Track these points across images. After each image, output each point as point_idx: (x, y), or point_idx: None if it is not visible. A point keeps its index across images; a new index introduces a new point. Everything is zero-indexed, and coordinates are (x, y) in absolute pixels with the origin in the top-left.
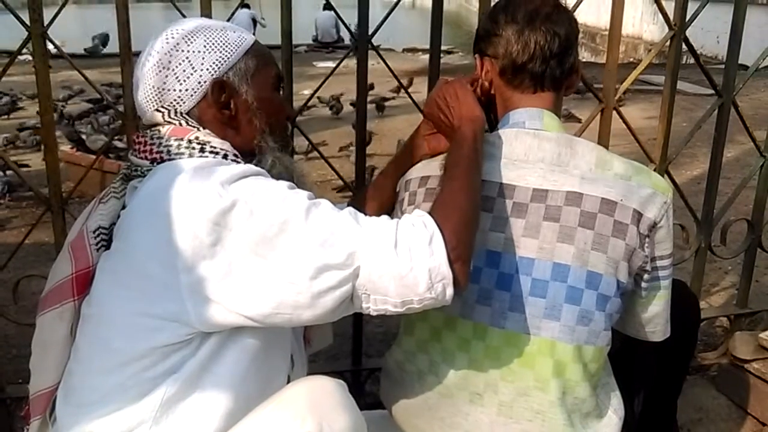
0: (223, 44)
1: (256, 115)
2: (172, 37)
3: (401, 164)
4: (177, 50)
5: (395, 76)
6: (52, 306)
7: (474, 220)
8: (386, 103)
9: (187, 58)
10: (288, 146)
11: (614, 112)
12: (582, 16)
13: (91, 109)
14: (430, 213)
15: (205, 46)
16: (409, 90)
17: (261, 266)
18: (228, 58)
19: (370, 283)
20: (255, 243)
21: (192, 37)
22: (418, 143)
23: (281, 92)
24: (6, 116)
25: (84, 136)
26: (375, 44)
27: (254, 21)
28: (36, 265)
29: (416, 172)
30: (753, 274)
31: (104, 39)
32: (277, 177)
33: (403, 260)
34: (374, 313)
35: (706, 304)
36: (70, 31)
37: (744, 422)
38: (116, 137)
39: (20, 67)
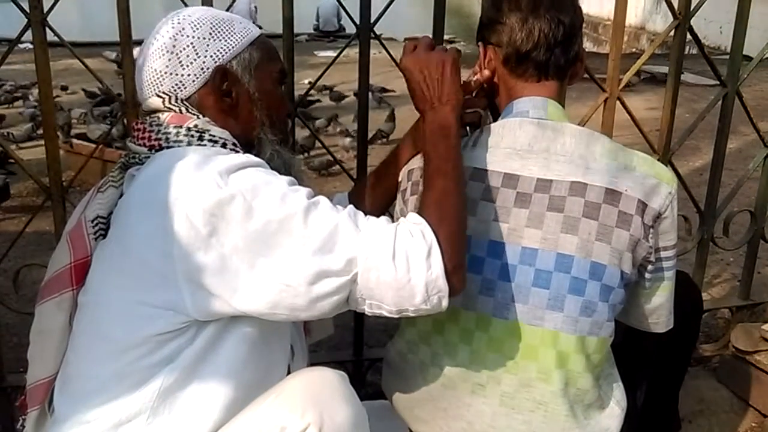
0: (229, 33)
1: (256, 106)
2: (178, 23)
3: (403, 153)
4: (182, 35)
5: (398, 66)
6: (50, 295)
7: (465, 219)
8: (386, 95)
9: (191, 43)
10: (288, 141)
11: (617, 101)
12: (585, 5)
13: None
14: (424, 214)
15: (210, 34)
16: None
17: (257, 264)
18: (233, 47)
19: (367, 290)
20: (252, 240)
21: (198, 23)
22: (421, 132)
23: (283, 87)
24: (9, 105)
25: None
26: (377, 33)
27: (255, 9)
28: (37, 254)
29: (419, 161)
30: (755, 265)
31: None
32: (276, 170)
33: (400, 272)
34: (369, 315)
35: (708, 295)
36: (69, 19)
37: (745, 414)
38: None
39: (20, 56)
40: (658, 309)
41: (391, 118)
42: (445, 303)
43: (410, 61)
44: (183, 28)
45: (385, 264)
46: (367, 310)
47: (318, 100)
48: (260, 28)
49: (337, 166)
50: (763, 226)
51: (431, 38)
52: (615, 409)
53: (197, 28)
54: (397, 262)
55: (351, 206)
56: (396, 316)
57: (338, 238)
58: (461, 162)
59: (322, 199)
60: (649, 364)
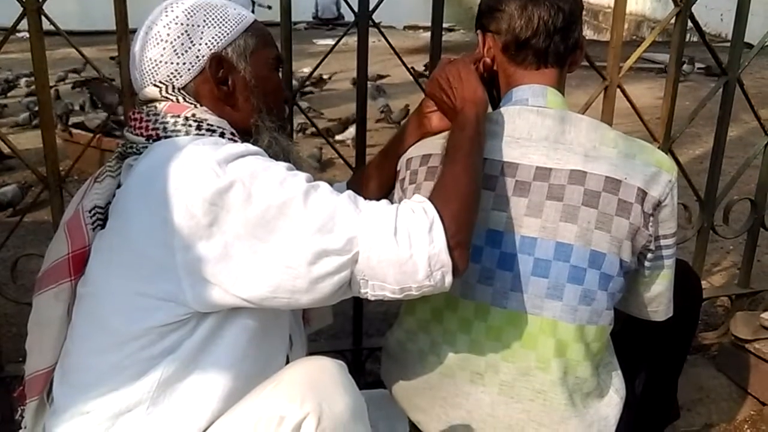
0: (223, 20)
1: (253, 93)
2: (172, 11)
3: (402, 142)
4: (176, 23)
5: (397, 54)
6: (48, 286)
7: (475, 205)
8: (383, 81)
9: (186, 31)
10: (285, 128)
11: (618, 89)
12: None
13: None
14: (430, 198)
15: (204, 21)
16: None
17: (259, 249)
18: (227, 34)
19: (369, 269)
20: (253, 225)
21: (192, 11)
22: (420, 121)
23: (280, 73)
24: (3, 95)
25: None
26: (376, 21)
27: (253, 1)
28: (35, 244)
29: (418, 150)
30: (755, 253)
31: None
32: (274, 157)
33: (402, 247)
34: (372, 299)
35: (707, 283)
36: (67, 7)
37: (744, 402)
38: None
39: (18, 45)
40: (658, 297)
41: None
42: (448, 279)
43: (429, 85)
44: (177, 16)
45: (386, 241)
46: (370, 293)
47: (311, 92)
48: (270, 8)
49: (332, 156)
50: (763, 214)
51: (447, 57)
52: (614, 398)
53: (191, 16)
54: (398, 238)
55: (350, 191)
56: (399, 297)
57: (338, 218)
58: (477, 152)
59: (322, 184)
60: (649, 353)
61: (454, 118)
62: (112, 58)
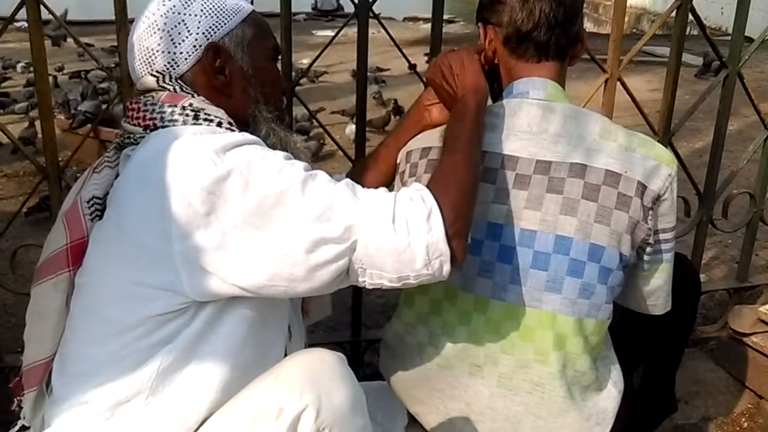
0: (221, 9)
1: (250, 83)
2: (169, 0)
3: (402, 135)
4: (173, 12)
5: (397, 45)
6: (47, 276)
7: (473, 194)
8: (383, 74)
9: (183, 20)
10: (283, 119)
11: (618, 82)
12: None
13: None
14: (428, 186)
15: (201, 10)
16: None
17: (256, 238)
18: (225, 24)
19: (367, 257)
20: (250, 214)
21: (189, 0)
22: (420, 114)
23: (278, 64)
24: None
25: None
26: (375, 12)
27: None
28: (34, 235)
29: (417, 143)
30: (754, 247)
31: None
32: (272, 148)
33: (400, 235)
34: (370, 287)
35: (706, 277)
36: None
37: (741, 395)
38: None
39: (15, 34)
40: (657, 291)
41: None
42: (446, 268)
43: (430, 71)
44: (174, 5)
45: (384, 229)
46: (368, 282)
47: (300, 84)
48: None
49: (332, 149)
50: (762, 209)
51: (450, 47)
52: (612, 391)
53: (188, 5)
54: (396, 226)
55: (348, 179)
56: (397, 285)
57: (336, 206)
58: (476, 141)
59: (320, 172)
60: (647, 346)
61: (454, 106)
62: (104, 48)
